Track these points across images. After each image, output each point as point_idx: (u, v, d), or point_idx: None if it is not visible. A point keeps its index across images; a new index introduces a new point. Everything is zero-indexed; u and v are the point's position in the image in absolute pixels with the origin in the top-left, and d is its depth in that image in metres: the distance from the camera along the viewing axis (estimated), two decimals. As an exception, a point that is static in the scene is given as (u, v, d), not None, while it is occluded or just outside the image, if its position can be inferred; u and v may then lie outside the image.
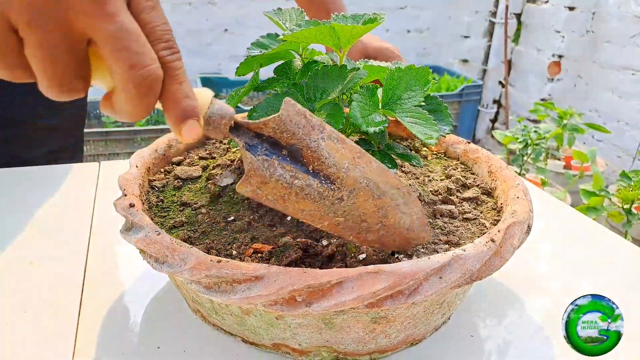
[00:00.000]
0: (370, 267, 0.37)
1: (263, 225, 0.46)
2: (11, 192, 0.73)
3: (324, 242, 0.43)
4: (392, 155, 0.50)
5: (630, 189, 1.33)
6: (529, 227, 0.47)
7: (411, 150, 0.65)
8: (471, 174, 0.60)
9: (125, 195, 0.47)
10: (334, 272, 0.37)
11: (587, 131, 2.00)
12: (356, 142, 0.52)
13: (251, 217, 0.47)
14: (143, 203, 0.49)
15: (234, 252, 0.43)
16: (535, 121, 2.56)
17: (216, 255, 0.42)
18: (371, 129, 0.40)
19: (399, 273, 0.37)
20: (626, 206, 1.37)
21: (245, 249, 0.43)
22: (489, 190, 0.56)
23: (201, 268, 0.38)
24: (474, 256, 0.40)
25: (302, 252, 0.42)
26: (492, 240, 0.42)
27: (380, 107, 0.43)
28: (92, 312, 0.50)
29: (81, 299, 0.52)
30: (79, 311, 0.50)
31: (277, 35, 0.52)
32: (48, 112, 0.84)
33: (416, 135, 0.40)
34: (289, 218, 0.47)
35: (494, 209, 0.53)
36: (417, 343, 0.47)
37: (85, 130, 2.04)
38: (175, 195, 0.52)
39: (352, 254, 0.41)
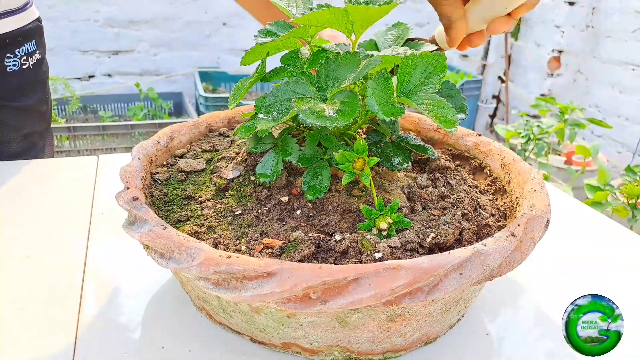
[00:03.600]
0: (389, 263, 0.35)
1: (272, 219, 0.44)
2: (8, 185, 0.71)
3: (337, 237, 0.41)
4: (406, 147, 0.48)
5: (636, 184, 1.32)
6: (548, 222, 0.46)
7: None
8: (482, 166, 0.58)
9: (128, 188, 0.45)
10: (351, 267, 0.35)
11: (587, 126, 1.99)
12: (367, 132, 0.50)
13: (259, 210, 0.45)
14: (146, 196, 0.47)
15: (243, 248, 0.41)
16: (535, 116, 2.54)
17: (224, 250, 0.40)
18: (388, 118, 0.38)
19: (418, 269, 0.35)
20: (631, 201, 1.36)
21: (255, 244, 0.41)
22: (504, 184, 0.54)
23: (210, 264, 0.36)
24: (495, 251, 0.38)
25: (314, 247, 0.40)
26: (513, 235, 0.40)
27: (394, 95, 0.41)
28: (92, 311, 0.48)
29: (81, 296, 0.50)
30: (79, 310, 0.48)
31: (284, 22, 0.50)
32: (19, 94, 0.87)
33: (435, 122, 0.38)
34: (298, 212, 0.45)
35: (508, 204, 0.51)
36: (431, 342, 0.46)
37: (82, 124, 2.02)
38: (179, 188, 0.50)
39: (368, 252, 0.39)
